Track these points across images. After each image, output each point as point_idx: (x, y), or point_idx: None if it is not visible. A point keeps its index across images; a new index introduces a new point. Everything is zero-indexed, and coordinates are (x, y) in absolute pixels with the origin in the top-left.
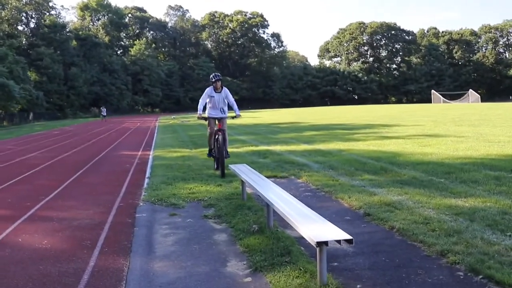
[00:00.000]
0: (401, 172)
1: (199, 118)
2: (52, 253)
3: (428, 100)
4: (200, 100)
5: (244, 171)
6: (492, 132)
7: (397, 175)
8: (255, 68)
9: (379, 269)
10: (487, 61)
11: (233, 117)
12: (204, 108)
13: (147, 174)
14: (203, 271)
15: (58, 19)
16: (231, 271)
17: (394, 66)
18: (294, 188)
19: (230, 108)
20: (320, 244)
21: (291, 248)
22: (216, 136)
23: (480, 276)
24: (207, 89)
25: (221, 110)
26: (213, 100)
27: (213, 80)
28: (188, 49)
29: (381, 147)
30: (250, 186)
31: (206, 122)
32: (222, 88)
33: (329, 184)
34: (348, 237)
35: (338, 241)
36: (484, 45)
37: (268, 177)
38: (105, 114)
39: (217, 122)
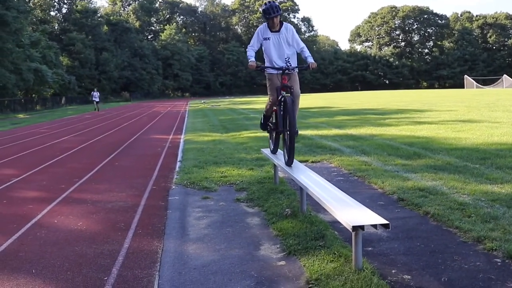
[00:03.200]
0: (435, 157)
1: (251, 67)
2: (87, 234)
3: (461, 86)
4: (249, 47)
5: (276, 155)
6: None
7: (431, 160)
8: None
9: (414, 255)
10: None
11: (304, 68)
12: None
13: (179, 158)
14: (237, 254)
15: (90, 4)
16: (264, 254)
17: (426, 50)
18: (327, 172)
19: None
20: (356, 228)
21: (325, 232)
22: (280, 98)
23: None
24: (259, 28)
25: (286, 60)
26: (269, 45)
27: (268, 15)
28: (218, 33)
29: (414, 132)
30: (282, 170)
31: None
32: (281, 25)
33: (361, 169)
34: (385, 221)
35: (375, 226)
36: None
37: (300, 161)
38: (98, 99)
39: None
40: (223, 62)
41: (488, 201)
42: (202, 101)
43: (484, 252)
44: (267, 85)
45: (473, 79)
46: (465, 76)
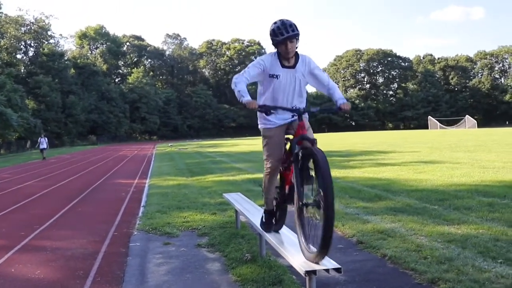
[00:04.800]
0: (395, 199)
1: (251, 106)
2: (45, 283)
3: (425, 126)
4: (237, 78)
5: (237, 200)
6: (487, 158)
7: (391, 202)
8: (254, 95)
9: None
10: (483, 87)
11: (332, 111)
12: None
13: (142, 203)
14: None
15: (57, 47)
16: None
17: (391, 92)
18: (288, 216)
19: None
20: (309, 273)
21: (282, 277)
22: (298, 152)
23: None
24: (263, 57)
25: (294, 106)
26: (277, 86)
27: (281, 36)
28: (185, 76)
29: (377, 174)
30: (243, 215)
31: (262, 131)
32: (298, 58)
33: None
34: (337, 266)
35: (327, 270)
36: (480, 71)
37: (263, 205)
38: (45, 146)
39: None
40: (191, 105)
41: (444, 242)
42: (169, 144)
43: None
44: (263, 143)
45: (436, 119)
46: (429, 117)
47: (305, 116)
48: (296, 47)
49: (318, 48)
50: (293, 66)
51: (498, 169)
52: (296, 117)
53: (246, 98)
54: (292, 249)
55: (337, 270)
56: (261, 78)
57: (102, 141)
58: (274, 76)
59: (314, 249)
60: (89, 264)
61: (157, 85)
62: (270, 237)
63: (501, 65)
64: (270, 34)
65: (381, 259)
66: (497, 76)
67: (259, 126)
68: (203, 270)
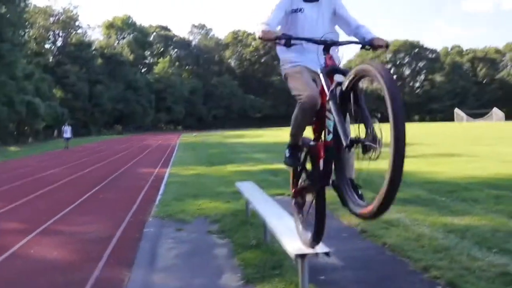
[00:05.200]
0: (406, 190)
1: (266, 37)
2: (60, 264)
3: (452, 119)
4: (258, 24)
5: (248, 189)
6: (508, 152)
7: (402, 194)
8: (278, 86)
9: (364, 282)
10: (511, 79)
11: (364, 44)
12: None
13: (160, 191)
14: (199, 282)
15: (84, 37)
16: (224, 283)
17: (418, 84)
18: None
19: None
20: (299, 256)
21: (283, 261)
22: (333, 90)
23: None
24: None
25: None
26: (301, 20)
27: None
28: (211, 67)
29: None
30: (251, 203)
31: (284, 64)
32: None
33: (333, 201)
34: (326, 249)
35: (316, 254)
36: (509, 63)
37: (276, 194)
38: (69, 136)
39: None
40: (216, 95)
41: (445, 232)
42: (193, 134)
43: (429, 280)
44: (290, 82)
45: (463, 112)
46: (456, 109)
47: (335, 49)
48: None
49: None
50: (318, 0)
51: (505, 162)
52: (322, 49)
53: (263, 28)
54: (287, 234)
55: (326, 254)
56: (282, 17)
57: (127, 131)
58: (298, 10)
59: (309, 234)
60: (103, 247)
61: (183, 76)
62: (270, 222)
63: None
64: None
65: (381, 247)
66: None
67: (282, 72)
68: (210, 255)
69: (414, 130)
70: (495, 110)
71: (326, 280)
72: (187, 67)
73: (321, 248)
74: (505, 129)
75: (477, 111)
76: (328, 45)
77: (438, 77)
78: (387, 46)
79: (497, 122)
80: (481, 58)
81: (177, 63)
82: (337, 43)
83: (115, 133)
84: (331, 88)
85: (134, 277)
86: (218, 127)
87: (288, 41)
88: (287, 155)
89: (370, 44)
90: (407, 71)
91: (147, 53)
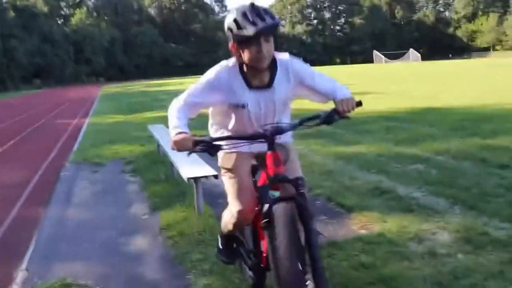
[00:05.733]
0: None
1: (179, 145)
2: None
3: (372, 61)
4: (176, 104)
5: (159, 131)
6: (415, 88)
7: (309, 131)
8: (200, 34)
9: None
10: (427, 20)
11: (329, 120)
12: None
13: (79, 140)
14: (111, 213)
15: None
16: (133, 212)
17: (338, 27)
18: None
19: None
20: (191, 179)
21: (186, 190)
22: (268, 210)
23: (332, 203)
24: (217, 72)
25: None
26: (243, 117)
27: (250, 28)
28: (130, 16)
29: (301, 105)
30: (161, 144)
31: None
32: (275, 67)
33: None
34: (214, 173)
35: (206, 177)
36: (425, 5)
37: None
38: None
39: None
40: (137, 44)
41: (335, 159)
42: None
43: (312, 197)
44: (225, 178)
45: (382, 54)
46: (374, 51)
47: (283, 140)
48: (271, 48)
49: None
50: (269, 85)
51: (417, 98)
52: (264, 144)
53: (178, 130)
54: (186, 164)
55: (214, 176)
56: (216, 108)
57: (47, 85)
58: (239, 106)
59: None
60: (20, 191)
61: (101, 26)
62: (173, 157)
63: None
64: (229, 29)
65: None
66: (441, 9)
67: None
68: (123, 191)
69: (335, 72)
70: (412, 51)
71: (224, 203)
72: (105, 17)
73: (210, 172)
74: (418, 69)
75: (395, 52)
76: (271, 139)
77: (357, 20)
78: (358, 105)
79: (413, 63)
80: (398, 0)
81: (94, 14)
82: (283, 131)
83: (34, 88)
84: (265, 209)
85: (50, 213)
86: (141, 78)
87: (214, 148)
88: (220, 246)
89: (334, 117)
90: (327, 15)
91: (63, 4)
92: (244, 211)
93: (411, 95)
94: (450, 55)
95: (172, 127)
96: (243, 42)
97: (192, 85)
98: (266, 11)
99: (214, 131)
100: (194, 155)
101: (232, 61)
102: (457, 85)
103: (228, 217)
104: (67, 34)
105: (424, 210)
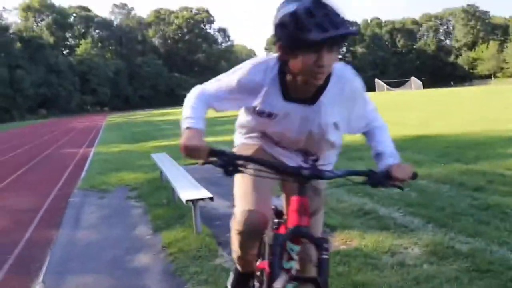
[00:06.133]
0: None
1: (189, 152)
2: None
3: (373, 89)
4: (196, 91)
5: (162, 159)
6: (413, 117)
7: None
8: (203, 63)
9: None
10: (428, 48)
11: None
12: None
13: (85, 168)
14: (117, 234)
15: (1, 20)
16: (137, 233)
17: (340, 56)
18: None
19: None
20: (189, 201)
21: (186, 213)
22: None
23: None
24: (252, 67)
25: (306, 159)
26: (275, 123)
27: (316, 32)
28: (135, 46)
29: None
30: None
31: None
32: (328, 80)
33: None
34: (210, 195)
35: (202, 199)
36: (426, 34)
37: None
38: None
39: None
40: (141, 74)
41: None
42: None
43: None
44: (237, 176)
45: (384, 82)
46: (376, 79)
47: (319, 185)
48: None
49: (268, 14)
50: (313, 100)
51: (411, 126)
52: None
53: (190, 122)
54: (185, 188)
55: (210, 199)
56: (235, 105)
57: (53, 115)
58: (265, 115)
59: None
60: (33, 215)
61: (106, 56)
62: (173, 181)
63: (445, 27)
64: (282, 25)
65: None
66: (442, 38)
67: (235, 143)
68: (128, 215)
69: None
70: (413, 79)
71: (221, 224)
72: (110, 47)
73: (206, 194)
74: (417, 97)
75: (397, 80)
76: (305, 179)
77: (359, 49)
78: (413, 177)
79: (415, 90)
80: (400, 29)
81: (99, 44)
82: (323, 178)
83: (40, 118)
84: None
85: (61, 235)
86: (145, 107)
87: (233, 166)
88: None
89: (383, 179)
90: None
91: (68, 35)
92: (254, 213)
93: (406, 123)
94: (452, 83)
95: (184, 117)
96: (298, 47)
97: (223, 74)
98: (336, 13)
99: (241, 136)
100: (196, 174)
101: (273, 58)
102: (451, 112)
103: (233, 228)
104: (72, 64)
105: (400, 228)
